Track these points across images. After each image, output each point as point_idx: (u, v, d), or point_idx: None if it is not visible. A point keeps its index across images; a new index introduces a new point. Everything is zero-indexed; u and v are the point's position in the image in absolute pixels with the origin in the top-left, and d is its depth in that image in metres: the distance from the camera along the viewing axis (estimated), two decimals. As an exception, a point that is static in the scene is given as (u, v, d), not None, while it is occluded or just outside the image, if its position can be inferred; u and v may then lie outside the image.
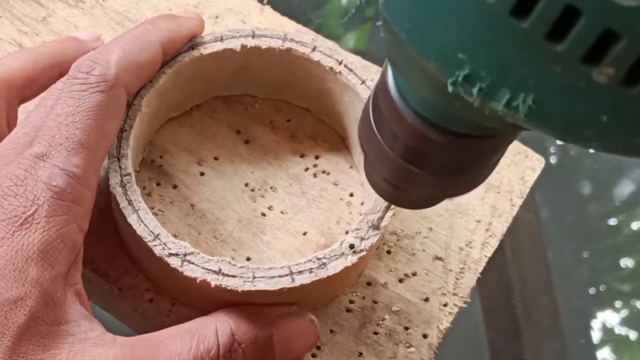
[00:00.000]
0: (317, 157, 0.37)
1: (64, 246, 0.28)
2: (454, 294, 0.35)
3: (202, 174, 0.36)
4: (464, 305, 0.35)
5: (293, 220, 0.35)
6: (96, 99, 0.29)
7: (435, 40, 0.17)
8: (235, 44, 0.35)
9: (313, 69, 0.35)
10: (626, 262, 0.59)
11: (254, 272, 0.30)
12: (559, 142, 0.59)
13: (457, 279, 0.35)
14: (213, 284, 0.29)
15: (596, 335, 0.60)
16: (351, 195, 0.36)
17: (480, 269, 0.36)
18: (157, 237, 0.30)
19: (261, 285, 0.30)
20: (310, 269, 0.30)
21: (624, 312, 0.59)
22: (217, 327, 0.30)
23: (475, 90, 0.17)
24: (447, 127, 0.21)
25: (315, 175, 0.36)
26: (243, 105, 0.38)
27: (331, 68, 0.35)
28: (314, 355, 0.33)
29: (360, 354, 0.33)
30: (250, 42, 0.35)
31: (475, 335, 0.58)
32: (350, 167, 0.37)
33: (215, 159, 0.37)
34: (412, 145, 0.22)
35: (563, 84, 0.16)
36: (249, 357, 0.30)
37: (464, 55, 0.17)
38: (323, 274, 0.30)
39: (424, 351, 0.34)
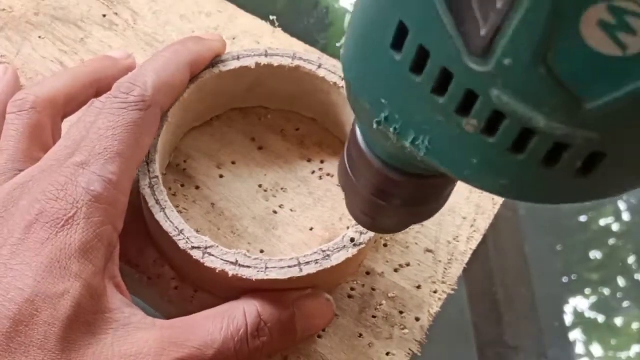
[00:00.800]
0: (322, 162, 0.37)
1: (101, 244, 0.28)
2: (443, 282, 0.35)
3: (221, 176, 0.36)
4: (452, 292, 0.35)
5: (301, 218, 0.36)
6: (134, 116, 0.30)
7: (368, 86, 0.19)
8: (250, 62, 0.35)
9: (319, 84, 0.35)
10: (595, 255, 0.59)
11: (266, 263, 0.30)
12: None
13: (445, 269, 0.35)
14: (231, 273, 0.30)
15: (569, 319, 0.60)
16: (352, 195, 0.36)
17: (466, 260, 0.36)
18: (181, 232, 0.31)
19: (273, 275, 0.30)
20: (316, 260, 0.30)
21: (593, 299, 0.59)
22: (245, 309, 0.30)
23: (392, 129, 0.18)
24: (403, 169, 0.22)
25: (320, 177, 0.37)
26: (257, 116, 0.38)
27: (335, 83, 0.35)
28: (319, 336, 0.33)
29: (361, 335, 0.34)
30: (264, 60, 0.35)
31: (462, 319, 0.58)
32: (352, 170, 0.37)
33: (233, 163, 0.37)
34: (379, 184, 0.23)
35: (446, 130, 0.17)
36: (275, 335, 0.30)
37: (385, 101, 0.18)
38: (327, 264, 0.30)
39: (417, 332, 0.34)
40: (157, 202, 0.31)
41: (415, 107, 0.17)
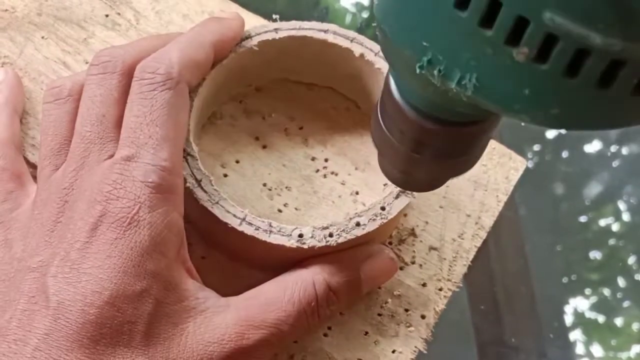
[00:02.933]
0: (326, 160, 0.37)
1: (170, 234, 0.27)
2: (448, 280, 0.35)
3: (225, 175, 0.36)
4: (457, 290, 0.35)
5: (306, 216, 0.35)
6: (166, 96, 0.29)
7: (408, 32, 0.18)
8: (284, 34, 0.35)
9: (349, 56, 0.35)
10: (595, 255, 0.59)
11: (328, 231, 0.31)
12: (535, 149, 0.60)
13: (450, 266, 0.35)
14: (307, 245, 0.30)
15: (568, 319, 0.60)
16: (357, 193, 0.36)
17: (471, 257, 0.36)
18: (244, 219, 0.31)
19: (341, 239, 0.31)
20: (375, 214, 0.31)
21: (593, 299, 0.59)
22: (314, 280, 0.30)
23: (436, 72, 0.18)
24: (441, 117, 0.22)
25: (325, 176, 0.37)
26: (261, 115, 0.38)
27: (362, 54, 0.35)
28: (325, 334, 0.33)
29: (366, 332, 0.33)
30: (297, 33, 0.35)
31: (462, 319, 0.58)
32: (356, 168, 0.37)
33: (237, 162, 0.37)
34: (414, 136, 0.23)
35: (495, 63, 0.17)
36: (343, 300, 0.31)
37: (427, 43, 0.18)
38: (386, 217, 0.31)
39: (422, 330, 0.34)
40: (198, 182, 0.31)
41: (460, 45, 0.17)
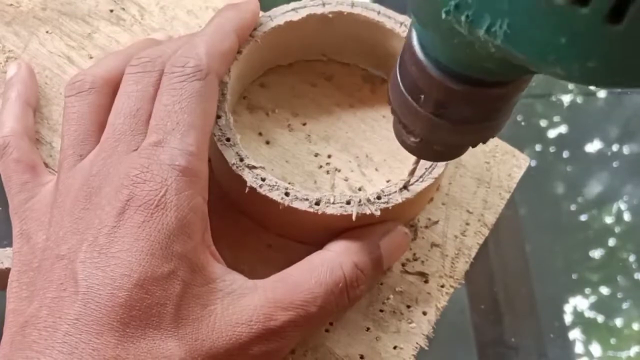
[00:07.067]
0: (329, 157, 0.37)
1: (196, 217, 0.28)
2: (450, 277, 0.35)
3: (228, 170, 0.36)
4: (459, 286, 0.35)
5: (309, 212, 0.35)
6: (195, 86, 0.29)
7: None
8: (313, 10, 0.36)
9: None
10: (595, 254, 0.59)
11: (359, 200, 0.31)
12: (536, 149, 0.59)
13: (452, 263, 0.35)
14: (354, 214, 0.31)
15: (568, 319, 0.59)
16: (359, 189, 0.36)
17: (473, 254, 0.35)
18: (286, 194, 0.31)
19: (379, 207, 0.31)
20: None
21: (593, 298, 0.59)
22: (340, 261, 0.30)
23: (463, 18, 0.17)
24: (463, 74, 0.21)
25: (327, 172, 0.36)
26: (264, 111, 0.38)
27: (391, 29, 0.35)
28: (327, 330, 0.33)
29: (368, 328, 0.33)
30: (320, 10, 0.36)
31: (462, 319, 0.58)
32: (359, 165, 0.36)
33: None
34: (436, 97, 0.22)
35: (528, 8, 0.16)
36: (369, 279, 0.31)
37: None
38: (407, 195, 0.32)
39: (424, 326, 0.34)
40: (241, 160, 0.32)
41: None
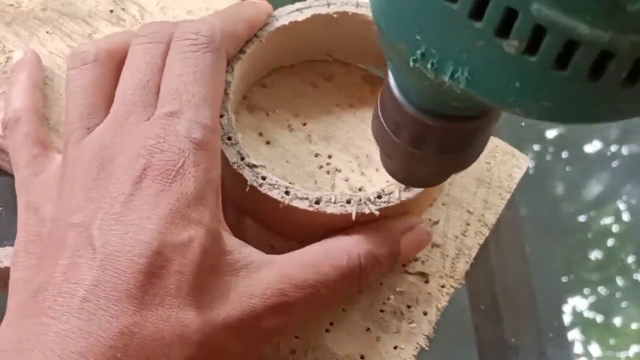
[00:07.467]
0: (329, 157, 0.37)
1: (211, 190, 0.28)
2: (451, 277, 0.35)
3: (229, 171, 0.36)
4: (459, 286, 0.35)
5: (309, 212, 0.35)
6: (209, 58, 0.29)
7: (401, 25, 0.19)
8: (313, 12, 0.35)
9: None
10: (594, 255, 0.59)
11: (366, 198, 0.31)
12: (535, 149, 0.60)
13: (453, 263, 0.35)
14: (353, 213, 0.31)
15: (567, 319, 0.59)
16: (360, 189, 0.36)
17: (474, 254, 0.35)
18: (286, 192, 0.32)
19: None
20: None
21: (592, 299, 0.59)
22: (359, 249, 0.30)
23: (429, 66, 0.18)
24: (439, 112, 0.22)
25: (328, 172, 0.36)
26: (264, 111, 0.38)
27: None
28: (327, 330, 0.33)
29: (368, 329, 0.33)
30: (324, 10, 0.35)
31: (463, 319, 0.58)
32: (359, 165, 0.37)
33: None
34: (412, 131, 0.23)
35: (485, 56, 0.17)
36: (382, 270, 0.32)
37: (420, 37, 0.18)
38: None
39: (424, 327, 0.34)
40: (242, 158, 0.32)
41: (452, 37, 0.17)
